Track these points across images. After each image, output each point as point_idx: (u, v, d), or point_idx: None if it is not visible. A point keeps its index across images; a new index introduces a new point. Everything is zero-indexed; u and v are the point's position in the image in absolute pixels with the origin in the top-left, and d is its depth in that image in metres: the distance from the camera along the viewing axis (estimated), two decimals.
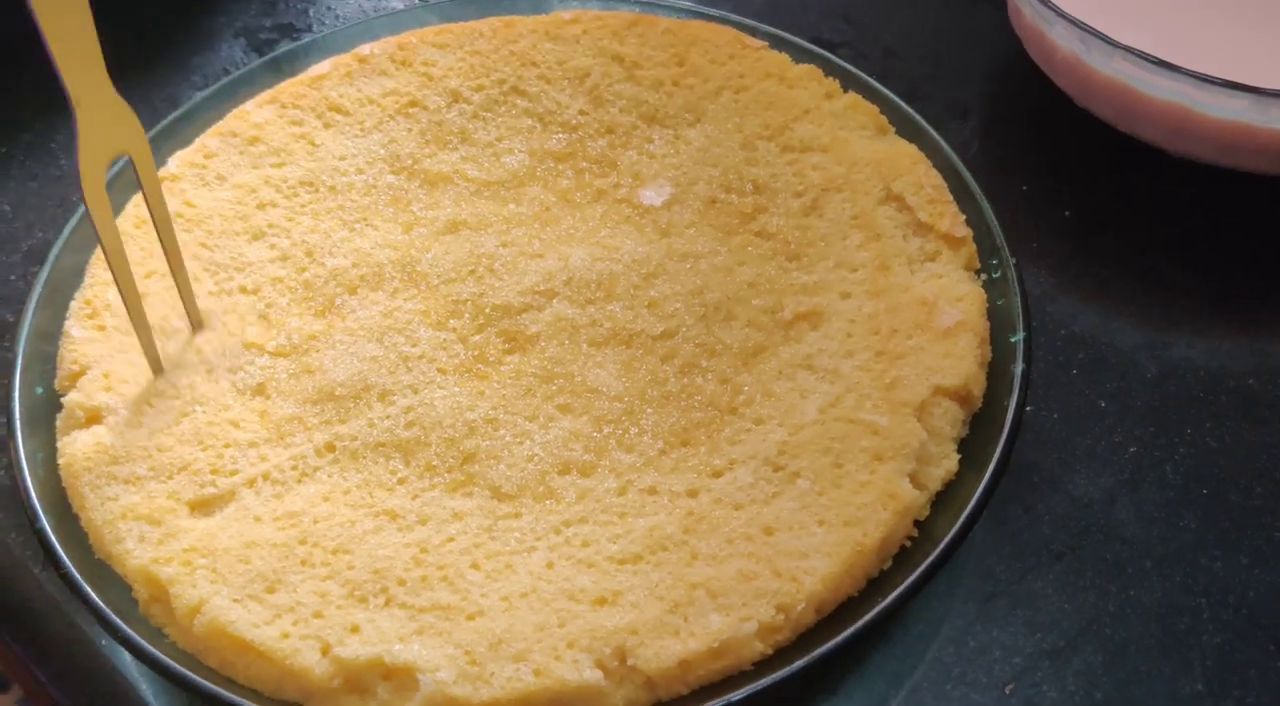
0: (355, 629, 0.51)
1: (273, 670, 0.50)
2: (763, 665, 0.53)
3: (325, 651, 0.50)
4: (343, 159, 0.74)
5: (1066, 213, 0.78)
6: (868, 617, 0.52)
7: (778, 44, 0.78)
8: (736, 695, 0.50)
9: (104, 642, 0.60)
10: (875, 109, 0.74)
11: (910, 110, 0.75)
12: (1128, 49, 0.70)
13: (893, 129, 0.74)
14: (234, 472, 0.57)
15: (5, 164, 0.86)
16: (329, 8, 0.99)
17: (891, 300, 0.64)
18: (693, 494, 0.56)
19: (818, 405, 0.60)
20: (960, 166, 0.71)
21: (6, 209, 0.83)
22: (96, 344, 0.62)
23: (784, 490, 0.56)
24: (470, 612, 0.51)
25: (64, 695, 0.58)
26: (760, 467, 0.57)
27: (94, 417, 0.59)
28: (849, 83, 0.76)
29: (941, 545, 0.55)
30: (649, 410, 0.60)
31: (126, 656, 0.61)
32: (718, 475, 0.57)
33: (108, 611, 0.53)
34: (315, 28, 0.95)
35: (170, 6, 0.95)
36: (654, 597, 0.52)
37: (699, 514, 0.55)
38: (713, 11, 0.81)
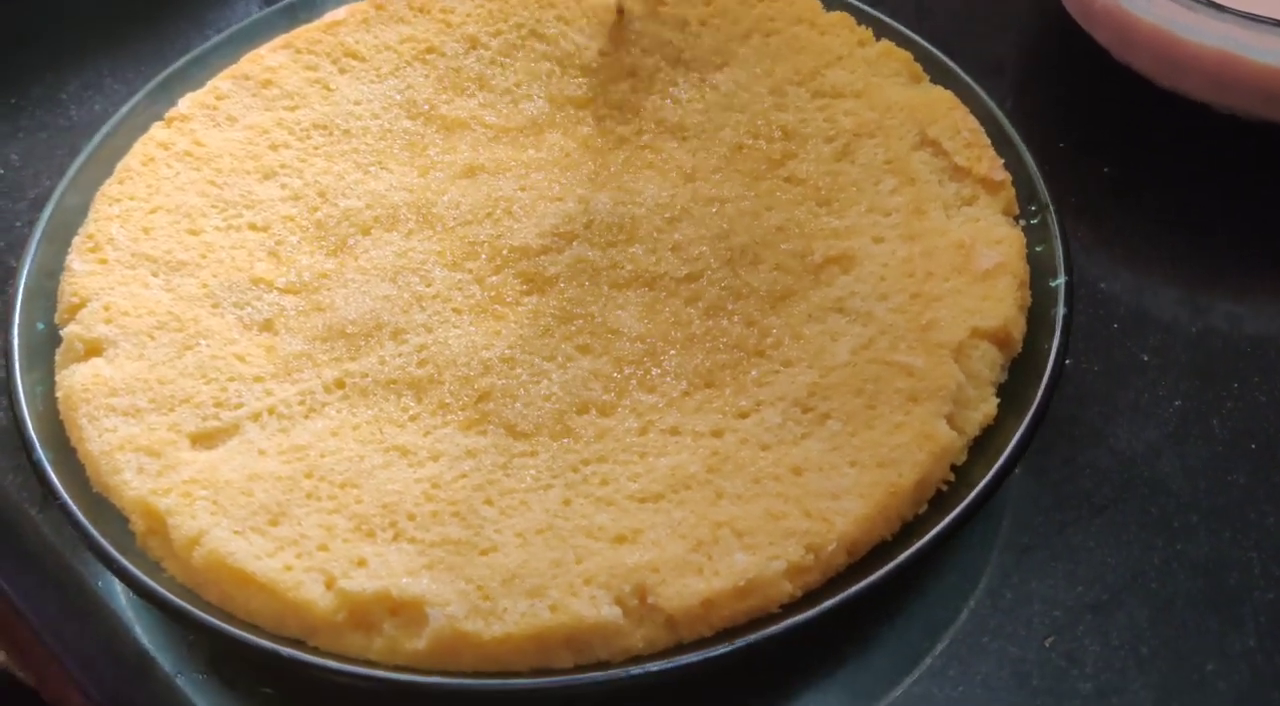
0: (362, 562, 0.48)
1: (274, 603, 0.48)
2: (790, 608, 0.50)
3: (330, 584, 0.48)
4: (358, 103, 0.72)
5: (1106, 169, 0.76)
6: (901, 558, 0.49)
7: None
8: (763, 634, 0.48)
9: (100, 584, 0.57)
10: (909, 56, 0.72)
11: (945, 58, 0.72)
12: None
13: (927, 77, 0.72)
14: (238, 406, 0.55)
15: (14, 115, 0.84)
16: None
17: (927, 244, 0.62)
18: (717, 434, 0.53)
19: (849, 347, 0.58)
20: (998, 113, 0.68)
21: (14, 158, 0.81)
22: (97, 277, 0.60)
23: (814, 431, 0.53)
24: (483, 548, 0.49)
25: (57, 641, 0.55)
26: (789, 409, 0.54)
27: (93, 350, 0.57)
28: (881, 31, 0.74)
29: (979, 487, 0.52)
30: (672, 351, 0.57)
31: (123, 599, 0.58)
32: (744, 416, 0.54)
33: (103, 542, 0.51)
34: None
35: None
36: (676, 536, 0.49)
37: (724, 454, 0.52)
38: None
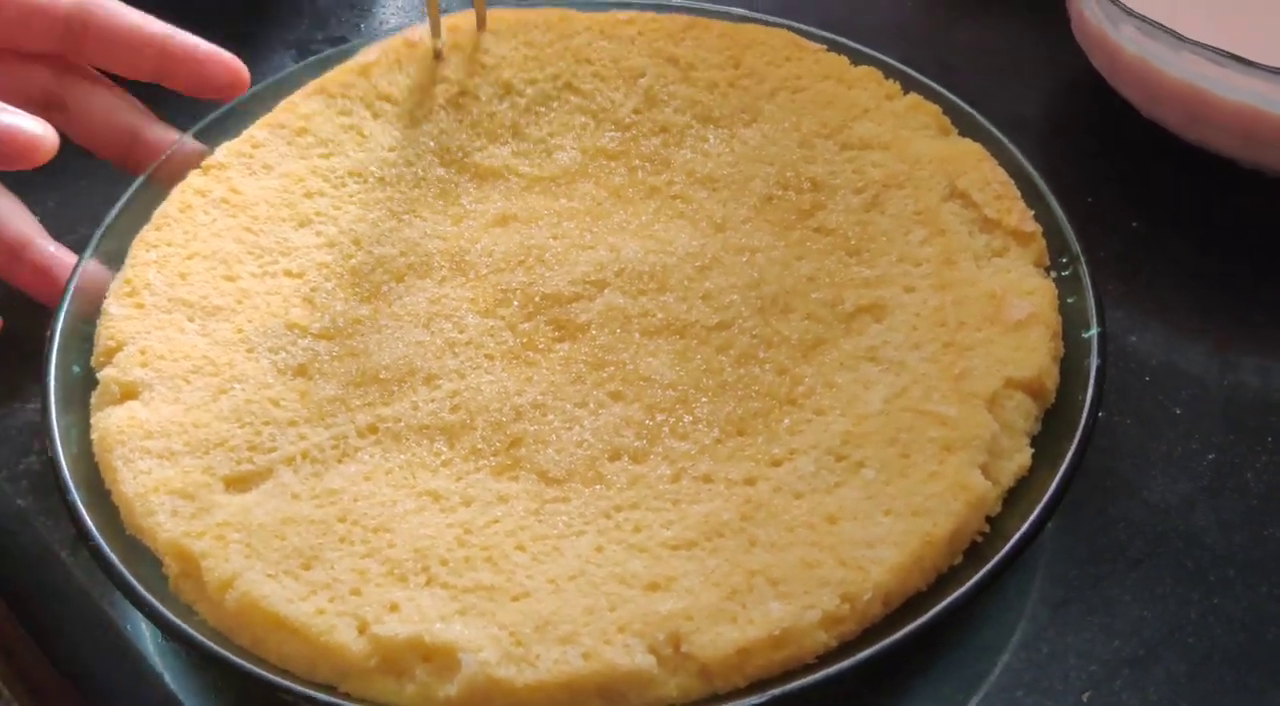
0: (394, 607, 0.48)
1: (306, 648, 0.47)
2: (825, 658, 0.49)
3: (362, 629, 0.47)
4: (392, 150, 0.73)
5: (1134, 223, 0.76)
6: (938, 609, 0.49)
7: (835, 48, 0.76)
8: (798, 684, 0.47)
9: (128, 627, 0.57)
10: (937, 109, 0.72)
11: (973, 111, 0.73)
12: (1198, 45, 0.68)
13: (955, 130, 0.72)
14: (272, 450, 0.55)
15: (51, 164, 0.85)
16: (381, 22, 0.99)
17: (958, 293, 0.62)
18: (750, 482, 0.53)
19: (882, 396, 0.58)
20: (1027, 166, 0.69)
21: (51, 205, 0.82)
22: (134, 321, 0.61)
23: (847, 479, 0.53)
24: (515, 593, 0.48)
25: (83, 684, 0.55)
26: (822, 457, 0.54)
27: (129, 393, 0.57)
28: (909, 85, 0.74)
29: (1015, 538, 0.51)
30: (704, 399, 0.57)
31: (151, 646, 0.58)
32: (777, 464, 0.54)
33: (134, 583, 0.51)
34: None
35: (222, 17, 0.95)
36: (710, 584, 0.48)
37: (757, 501, 0.52)
38: (769, 18, 0.80)
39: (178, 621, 0.50)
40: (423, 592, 0.51)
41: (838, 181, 0.70)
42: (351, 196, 0.70)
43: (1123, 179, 0.79)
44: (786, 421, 0.55)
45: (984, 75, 0.86)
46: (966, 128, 0.72)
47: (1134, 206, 0.77)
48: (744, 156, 0.72)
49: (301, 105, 0.74)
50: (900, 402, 0.57)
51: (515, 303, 0.62)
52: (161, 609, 0.50)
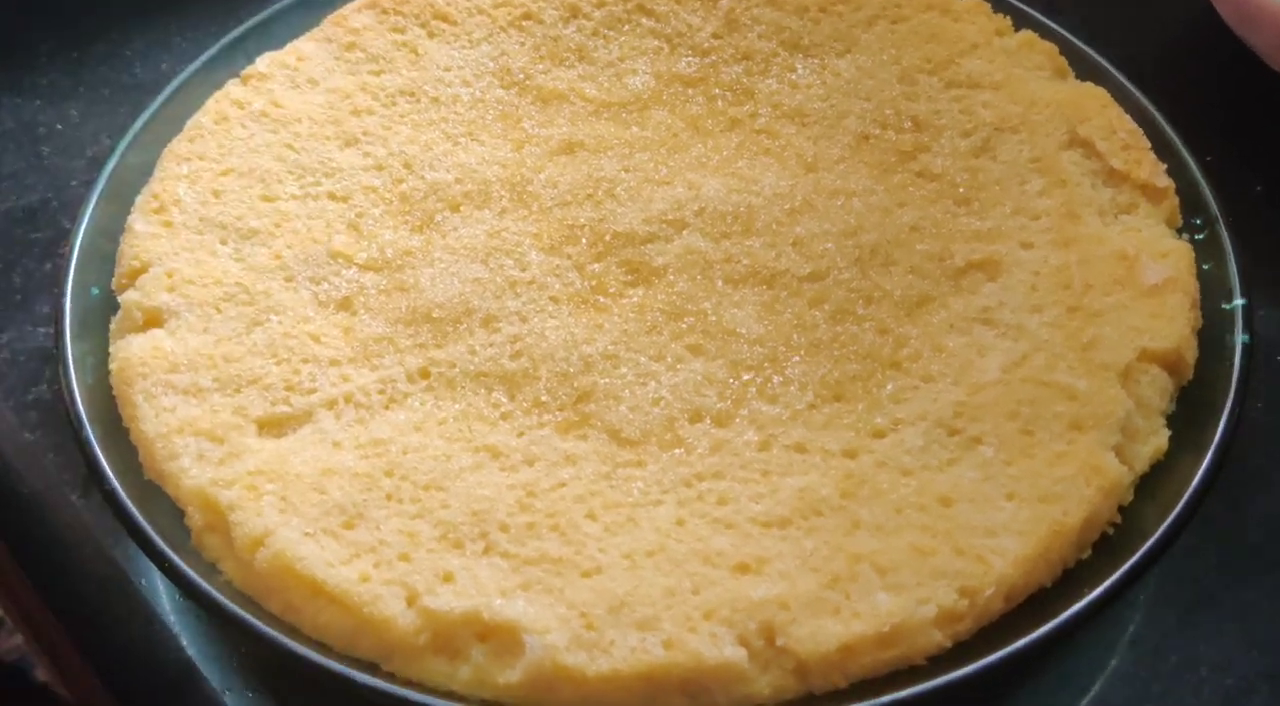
0: (448, 577, 0.44)
1: (347, 619, 0.42)
2: (937, 661, 0.43)
3: (411, 600, 0.43)
4: (448, 70, 0.66)
5: (1258, 187, 0.69)
6: (1077, 608, 0.43)
7: None
8: (912, 692, 0.41)
9: (143, 582, 0.51)
10: (1053, 48, 0.65)
11: (1092, 52, 0.65)
12: None
13: (1072, 73, 0.65)
14: (311, 391, 0.50)
15: (76, 70, 0.79)
16: None
17: (1083, 252, 0.55)
18: (851, 454, 0.48)
19: (1000, 363, 0.51)
20: (1156, 115, 0.62)
21: (74, 114, 0.75)
22: (161, 240, 0.55)
23: (962, 457, 0.47)
24: (586, 568, 0.44)
25: (89, 644, 0.49)
26: (932, 430, 0.48)
27: (153, 320, 0.52)
28: (1020, 21, 0.67)
29: (1158, 534, 0.45)
30: (795, 358, 0.51)
31: (168, 603, 0.52)
32: (880, 435, 0.49)
33: (153, 535, 0.45)
34: None
35: None
36: (808, 568, 0.43)
37: (859, 477, 0.46)
38: None
39: (199, 579, 0.44)
40: (480, 561, 0.45)
41: (943, 122, 0.63)
42: (402, 116, 0.63)
43: (1246, 138, 0.71)
44: (890, 387, 0.49)
45: (1094, 18, 0.78)
46: (1084, 71, 0.65)
47: (1258, 168, 0.70)
48: (837, 90, 0.65)
49: (352, 19, 0.67)
50: (1021, 372, 0.51)
51: (583, 240, 0.57)
52: (181, 564, 0.44)
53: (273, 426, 0.49)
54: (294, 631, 0.44)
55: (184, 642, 0.50)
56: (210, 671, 0.49)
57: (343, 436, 0.48)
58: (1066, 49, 0.66)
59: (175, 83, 0.64)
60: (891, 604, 0.43)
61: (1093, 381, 0.50)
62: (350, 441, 0.48)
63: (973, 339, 0.52)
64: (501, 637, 0.43)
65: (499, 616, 0.42)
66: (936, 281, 0.55)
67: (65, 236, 0.65)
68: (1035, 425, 0.49)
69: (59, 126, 0.74)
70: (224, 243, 0.55)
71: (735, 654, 0.42)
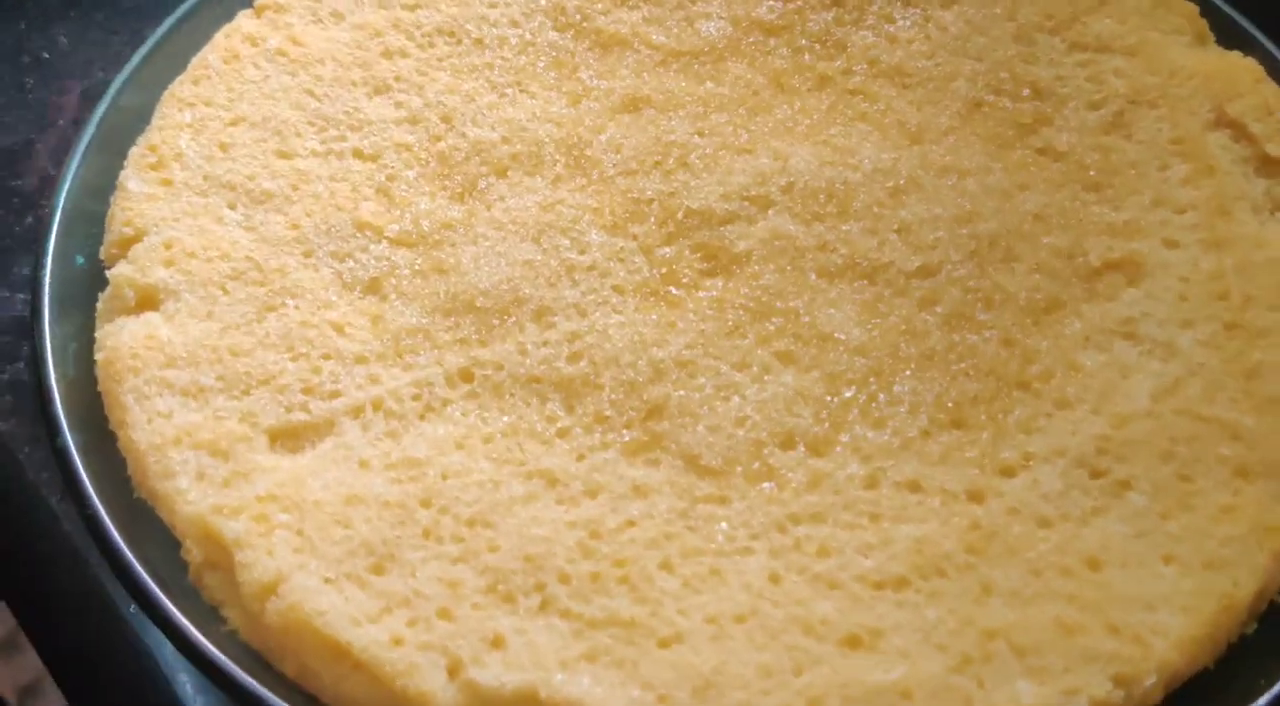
0: (498, 641, 0.38)
1: (376, 690, 0.37)
2: None
3: (454, 671, 0.37)
4: (493, 7, 0.57)
5: None
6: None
7: None
8: None
9: (132, 609, 0.44)
10: (1193, 8, 0.56)
11: (1239, 17, 0.57)
12: None
13: (1213, 38, 0.56)
14: (334, 394, 0.44)
15: None
16: None
17: (1239, 255, 0.48)
18: (975, 497, 0.43)
19: (1148, 390, 0.44)
20: None
21: (63, 41, 0.66)
22: (159, 203, 0.49)
23: (1109, 505, 0.42)
24: (663, 636, 0.38)
25: (73, 681, 0.42)
26: (1071, 470, 0.43)
27: (148, 301, 0.46)
28: None
29: None
30: (905, 372, 0.44)
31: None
32: (1008, 474, 0.44)
33: (142, 574, 0.38)
34: None
35: None
36: (931, 645, 0.37)
37: (988, 528, 0.40)
38: None
39: (196, 635, 0.37)
40: (536, 621, 0.38)
41: (1067, 91, 0.55)
42: (441, 60, 0.55)
43: None
44: (1018, 412, 0.43)
45: None
46: (1229, 37, 0.56)
47: None
48: (942, 46, 0.56)
49: None
50: (1173, 402, 0.44)
51: (651, 218, 0.51)
52: (175, 615, 0.37)
53: (288, 438, 0.43)
54: (312, 702, 0.37)
55: (182, 680, 0.43)
56: None
57: (371, 453, 0.41)
58: (1207, 10, 0.57)
59: (180, 11, 0.55)
60: (1035, 695, 0.36)
61: (1261, 419, 0.43)
62: (380, 460, 0.41)
63: (1113, 356, 0.46)
64: None
65: (560, 695, 0.36)
66: (1067, 283, 0.48)
67: (50, 185, 0.57)
68: (1194, 469, 0.43)
69: (45, 54, 0.66)
70: (232, 207, 0.49)
71: None
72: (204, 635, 0.37)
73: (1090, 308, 0.48)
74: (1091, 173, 0.52)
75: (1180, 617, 0.38)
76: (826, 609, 0.38)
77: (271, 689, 0.36)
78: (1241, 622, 0.39)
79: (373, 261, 0.48)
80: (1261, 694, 0.36)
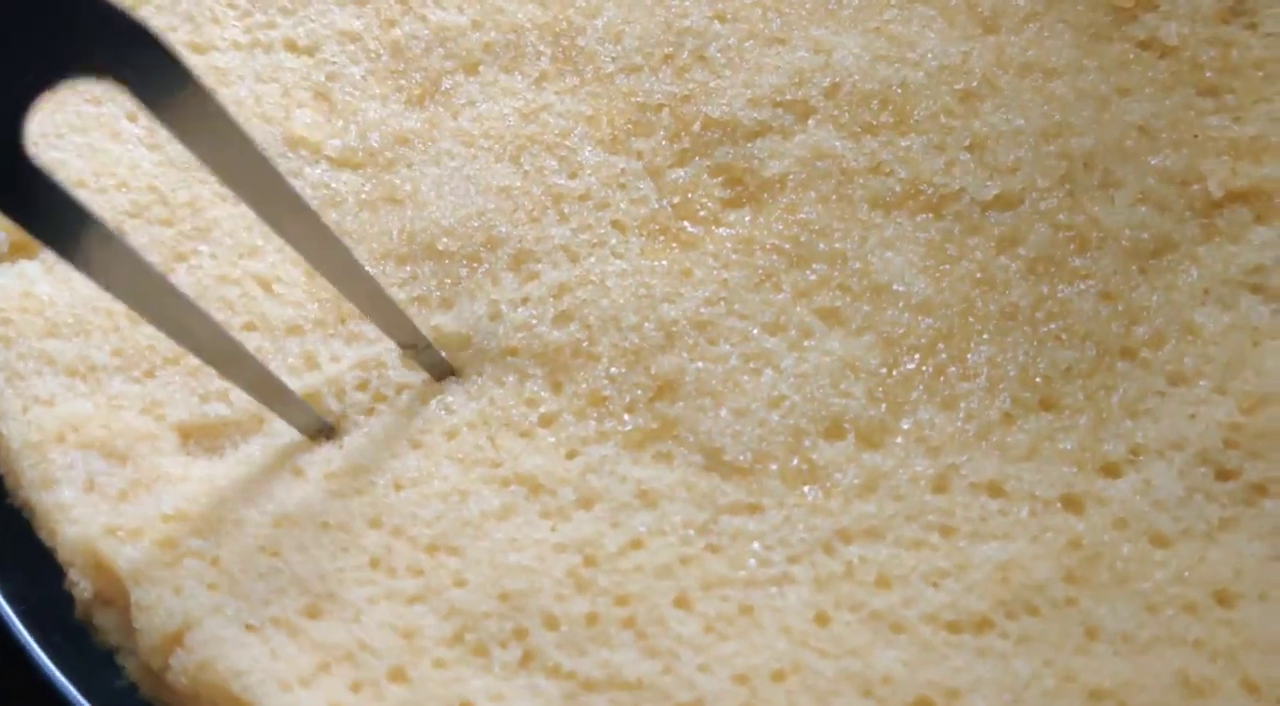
0: None
1: None
2: None
3: None
4: None
5: None
6: None
7: None
8: None
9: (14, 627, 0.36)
10: None
11: None
12: None
13: None
14: None
15: None
16: None
17: None
18: (1073, 504, 0.35)
19: None
20: None
21: None
22: (38, 113, 0.38)
23: (1241, 517, 0.35)
24: (680, 702, 0.31)
25: None
26: (1192, 467, 0.36)
27: (23, 246, 0.39)
28: None
29: None
30: (982, 335, 0.39)
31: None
32: (1113, 473, 0.36)
33: (9, 613, 0.30)
34: None
35: None
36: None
37: (1090, 547, 0.34)
38: None
39: (74, 694, 0.29)
40: (517, 681, 0.32)
41: None
42: None
43: None
44: (1122, 390, 0.36)
45: None
46: None
47: None
48: None
49: None
50: None
51: (660, 131, 0.43)
52: (50, 667, 0.30)
53: (203, 437, 0.38)
54: None
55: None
56: None
57: (307, 458, 0.35)
58: None
59: None
60: None
61: None
62: (318, 467, 0.36)
63: (1240, 316, 0.39)
64: None
65: None
66: (1181, 218, 0.41)
67: None
68: None
69: None
70: (132, 119, 0.42)
71: None
72: (89, 694, 0.29)
73: (1208, 251, 0.40)
74: (1208, 74, 0.43)
75: None
76: (889, 661, 0.31)
77: None
78: None
79: (308, 189, 0.41)
80: None
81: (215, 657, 0.30)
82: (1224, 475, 0.36)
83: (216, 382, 0.35)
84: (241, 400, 0.34)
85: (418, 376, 0.36)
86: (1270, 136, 0.43)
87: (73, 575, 0.33)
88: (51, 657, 0.30)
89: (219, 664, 0.30)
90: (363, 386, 0.36)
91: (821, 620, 0.32)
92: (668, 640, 0.31)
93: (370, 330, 0.36)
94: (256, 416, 0.34)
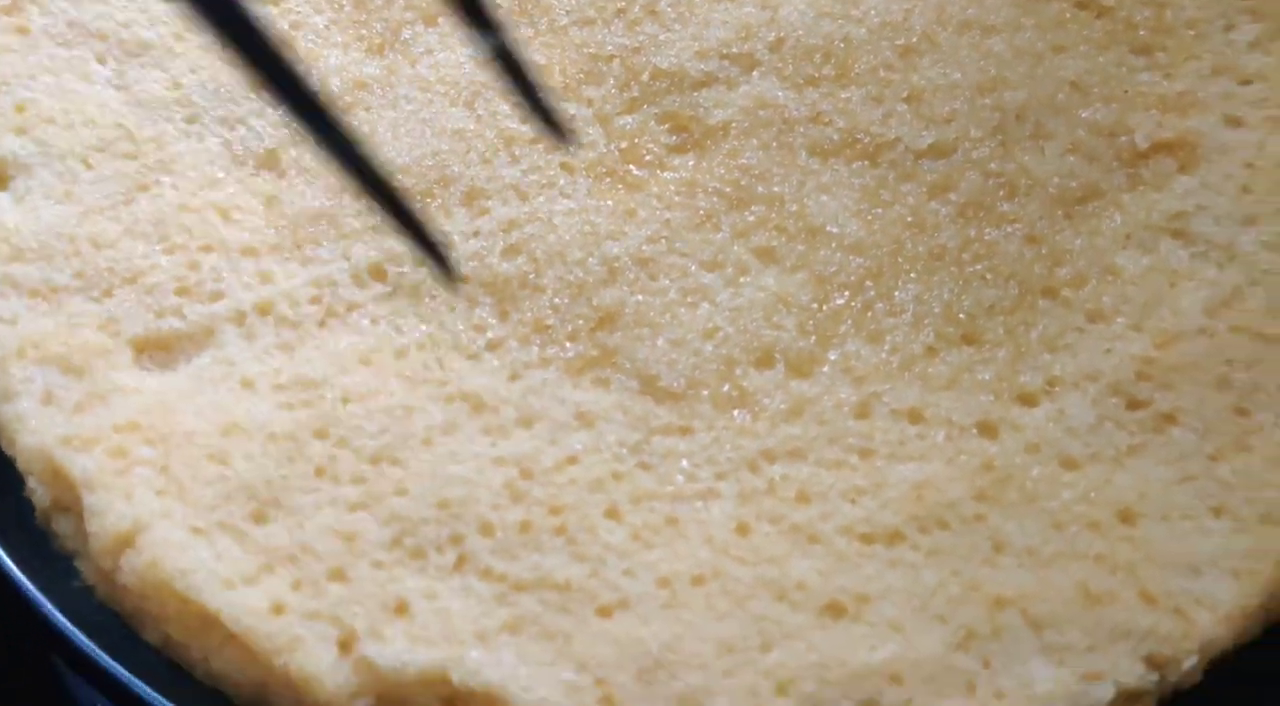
0: (402, 609, 0.32)
1: (253, 669, 0.32)
2: None
3: (347, 646, 0.31)
4: None
5: None
6: None
7: None
8: None
9: None
10: None
11: None
12: None
13: None
14: (216, 296, 0.38)
15: None
16: None
17: None
18: (988, 430, 0.37)
19: (1201, 301, 0.38)
20: None
21: None
22: (12, 55, 0.42)
23: (1148, 443, 0.36)
24: (605, 602, 0.33)
25: None
26: (1104, 398, 0.37)
27: None
28: None
29: None
30: (910, 275, 0.40)
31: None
32: (1029, 402, 0.37)
33: None
34: None
35: None
36: (929, 615, 0.33)
37: (1002, 469, 0.36)
38: None
39: (36, 593, 0.30)
40: (451, 582, 0.33)
41: None
42: None
43: None
44: (1041, 327, 0.37)
45: None
46: None
47: None
48: None
49: None
50: (1231, 316, 0.39)
51: (610, 80, 0.44)
52: (12, 569, 0.30)
53: (156, 351, 0.37)
54: (177, 673, 0.30)
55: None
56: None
57: (257, 370, 0.36)
58: None
59: None
60: (1052, 680, 0.31)
61: None
62: (267, 379, 0.36)
63: (1159, 259, 0.40)
64: None
65: (475, 679, 0.30)
66: (1108, 168, 0.43)
67: None
68: (1253, 400, 0.37)
69: None
70: (101, 61, 0.43)
71: None
72: (50, 593, 0.31)
73: (1133, 199, 0.41)
74: (1141, 33, 0.45)
75: (1230, 584, 0.33)
76: (804, 569, 0.32)
77: (130, 663, 0.30)
78: None
79: (269, 129, 0.42)
80: None
81: (162, 558, 0.31)
82: (1135, 405, 0.37)
83: (172, 298, 0.36)
84: (196, 314, 0.36)
85: (368, 294, 0.37)
86: (1198, 92, 0.44)
87: (31, 483, 0.34)
88: (14, 559, 0.32)
89: (165, 564, 0.31)
90: (315, 301, 0.37)
91: (742, 531, 0.34)
92: (596, 547, 0.33)
93: (325, 253, 0.38)
94: (209, 329, 0.35)
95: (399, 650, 0.30)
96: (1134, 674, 0.31)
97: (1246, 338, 0.37)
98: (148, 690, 0.29)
